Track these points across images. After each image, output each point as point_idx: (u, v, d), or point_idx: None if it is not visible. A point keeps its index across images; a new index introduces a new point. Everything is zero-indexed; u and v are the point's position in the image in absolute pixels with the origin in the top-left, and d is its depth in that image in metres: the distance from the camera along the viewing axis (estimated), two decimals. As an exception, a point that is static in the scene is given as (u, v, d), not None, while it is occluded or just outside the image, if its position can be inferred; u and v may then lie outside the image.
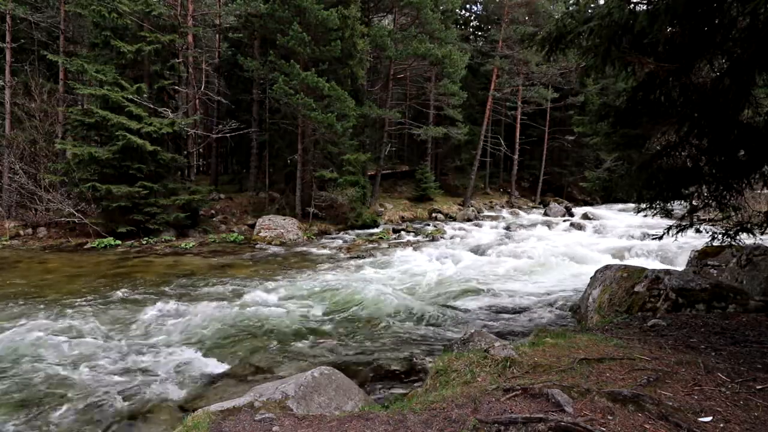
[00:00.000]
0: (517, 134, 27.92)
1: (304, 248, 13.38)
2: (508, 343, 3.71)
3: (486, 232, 16.86)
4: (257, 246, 13.61)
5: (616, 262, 9.44)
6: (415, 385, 4.36)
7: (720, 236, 5.10)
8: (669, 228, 5.46)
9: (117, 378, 4.67)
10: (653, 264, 9.87)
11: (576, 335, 3.92)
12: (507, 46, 25.58)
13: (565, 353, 3.32)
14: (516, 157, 28.14)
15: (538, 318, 6.74)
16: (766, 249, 5.70)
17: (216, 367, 5.02)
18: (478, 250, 12.65)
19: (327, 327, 6.41)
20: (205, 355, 5.27)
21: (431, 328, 6.38)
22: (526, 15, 27.30)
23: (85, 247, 12.54)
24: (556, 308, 7.23)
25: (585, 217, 20.21)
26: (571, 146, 29.38)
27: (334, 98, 15.58)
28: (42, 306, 7.03)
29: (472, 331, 4.77)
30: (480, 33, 32.51)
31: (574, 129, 22.28)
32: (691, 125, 4.33)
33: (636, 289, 5.36)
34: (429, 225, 19.25)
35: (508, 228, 17.47)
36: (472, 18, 33.46)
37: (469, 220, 21.51)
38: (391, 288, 8.47)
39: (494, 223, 19.62)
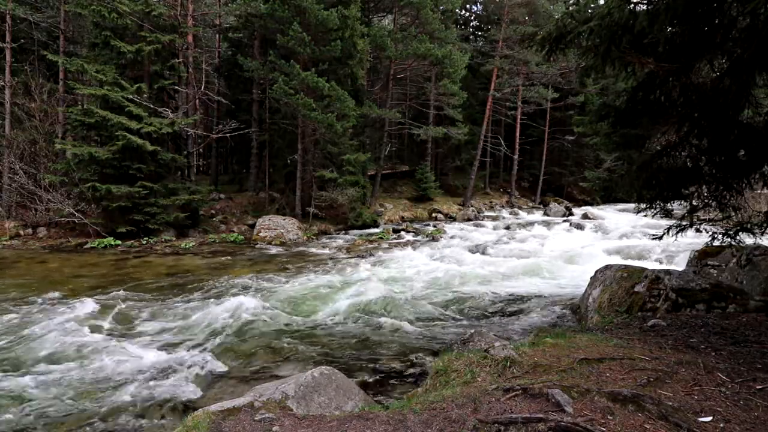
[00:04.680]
0: (517, 134, 27.91)
1: (304, 248, 13.38)
2: (508, 343, 3.71)
3: (486, 232, 16.86)
4: (257, 246, 13.61)
5: (616, 262, 9.44)
6: (415, 384, 4.36)
7: (720, 236, 5.09)
8: (669, 228, 5.46)
9: (115, 377, 4.67)
10: (653, 264, 9.87)
11: (576, 335, 3.92)
12: (507, 46, 25.57)
13: (565, 353, 3.32)
14: (516, 157, 28.13)
15: (538, 318, 6.74)
16: (766, 249, 5.69)
17: (216, 367, 5.01)
18: (478, 250, 12.65)
19: (327, 327, 6.41)
20: (204, 355, 5.26)
21: (431, 328, 6.38)
22: (526, 15, 27.29)
23: (85, 247, 12.54)
24: (556, 308, 7.22)
25: (585, 217, 20.21)
26: (571, 146, 29.38)
27: (334, 98, 15.58)
28: (41, 305, 7.03)
29: (472, 331, 4.77)
30: (480, 33, 32.50)
31: (574, 129, 22.28)
32: (691, 125, 4.33)
33: (636, 289, 5.36)
34: (429, 225, 19.25)
35: (508, 228, 17.47)
36: (472, 18, 33.47)
37: (469, 220, 21.51)
38: (390, 288, 8.47)
39: (494, 223, 19.61)
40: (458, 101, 23.14)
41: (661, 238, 5.57)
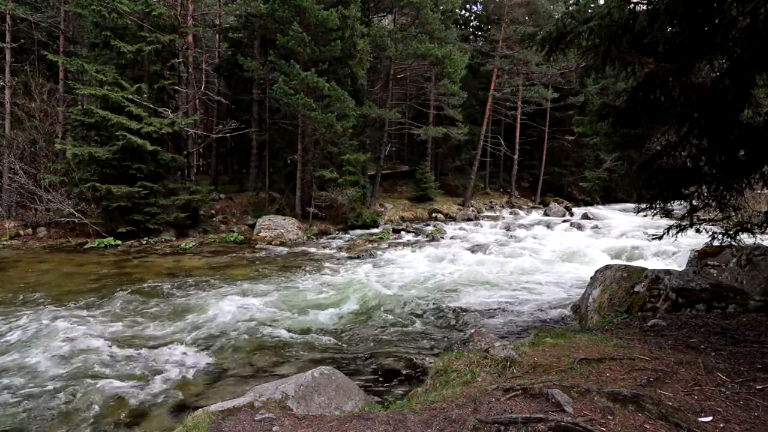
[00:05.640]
0: (517, 134, 27.92)
1: (304, 248, 13.38)
2: (508, 343, 3.71)
3: (486, 232, 16.86)
4: (257, 246, 13.61)
5: (616, 262, 9.43)
6: (415, 384, 4.36)
7: (720, 236, 5.09)
8: (669, 228, 5.46)
9: (116, 377, 4.66)
10: (653, 264, 9.87)
11: (576, 335, 3.92)
12: (507, 46, 25.58)
13: (565, 353, 3.32)
14: (516, 157, 28.13)
15: (538, 318, 6.74)
16: (766, 249, 5.70)
17: (216, 367, 5.02)
18: (478, 250, 12.64)
19: (327, 327, 6.41)
20: (204, 355, 5.27)
21: (431, 327, 6.38)
22: (526, 15, 27.30)
23: (85, 247, 12.54)
24: (556, 308, 7.23)
25: (585, 217, 20.22)
26: (571, 146, 29.37)
27: (334, 98, 15.58)
28: (41, 305, 7.03)
29: (472, 331, 4.78)
30: (480, 33, 32.50)
31: (574, 129, 22.24)
32: (691, 125, 4.33)
33: (636, 289, 5.36)
34: (429, 225, 19.25)
35: (508, 228, 17.47)
36: (472, 18, 33.47)
37: (469, 220, 21.51)
38: (390, 288, 8.47)
39: (494, 223, 19.61)
40: (458, 101, 23.14)
41: (661, 238, 5.57)
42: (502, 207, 26.44)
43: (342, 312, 7.10)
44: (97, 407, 4.11)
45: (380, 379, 4.71)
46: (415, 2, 19.65)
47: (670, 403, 2.39)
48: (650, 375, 2.77)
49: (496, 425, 2.23)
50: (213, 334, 6.02)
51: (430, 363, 4.45)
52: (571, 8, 4.41)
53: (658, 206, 5.33)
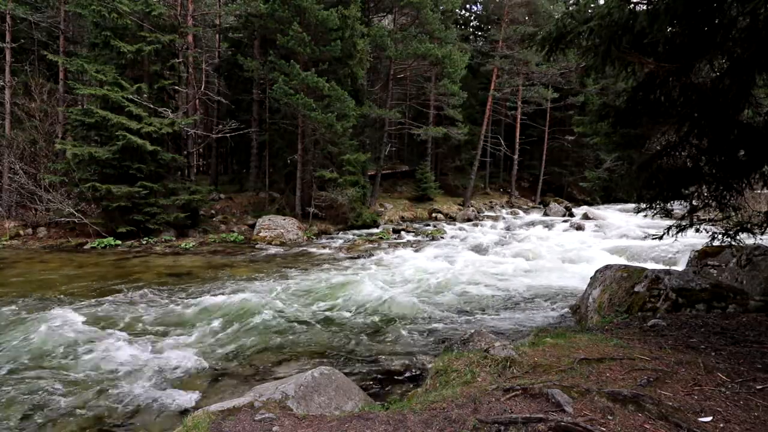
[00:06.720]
0: (517, 134, 27.93)
1: (304, 248, 13.37)
2: (508, 343, 3.71)
3: (486, 232, 16.86)
4: (257, 246, 13.61)
5: (616, 262, 9.43)
6: (415, 384, 4.36)
7: (720, 236, 5.09)
8: (669, 228, 5.46)
9: (116, 377, 4.67)
10: (653, 264, 9.87)
11: (576, 335, 3.92)
12: (507, 46, 25.60)
13: (565, 353, 3.32)
14: (516, 157, 28.15)
15: (538, 318, 6.74)
16: (766, 249, 5.69)
17: (215, 366, 5.01)
18: (478, 250, 12.64)
19: (327, 327, 6.41)
20: (204, 355, 5.26)
21: (431, 327, 6.38)
22: (526, 15, 27.33)
23: (85, 247, 12.53)
24: (556, 308, 7.23)
25: (585, 217, 20.20)
26: (571, 146, 29.39)
27: (334, 98, 15.59)
28: (41, 305, 7.02)
29: (472, 331, 4.78)
30: (480, 33, 32.53)
31: (574, 129, 22.25)
32: (691, 125, 4.33)
33: (636, 289, 5.36)
34: (429, 225, 19.25)
35: (508, 228, 17.47)
36: (472, 18, 33.50)
37: (469, 220, 21.51)
38: (390, 288, 8.47)
39: (494, 223, 19.61)
40: (458, 101, 23.15)
41: (661, 238, 5.57)
42: (502, 207, 26.45)
43: (342, 312, 7.10)
44: (96, 407, 4.11)
45: (380, 379, 4.71)
46: (415, 2, 19.66)
47: (670, 403, 2.39)
48: (650, 375, 2.77)
49: (496, 425, 2.23)
50: (212, 334, 6.02)
51: (430, 363, 4.45)
52: (571, 8, 4.40)
53: (658, 206, 5.33)
